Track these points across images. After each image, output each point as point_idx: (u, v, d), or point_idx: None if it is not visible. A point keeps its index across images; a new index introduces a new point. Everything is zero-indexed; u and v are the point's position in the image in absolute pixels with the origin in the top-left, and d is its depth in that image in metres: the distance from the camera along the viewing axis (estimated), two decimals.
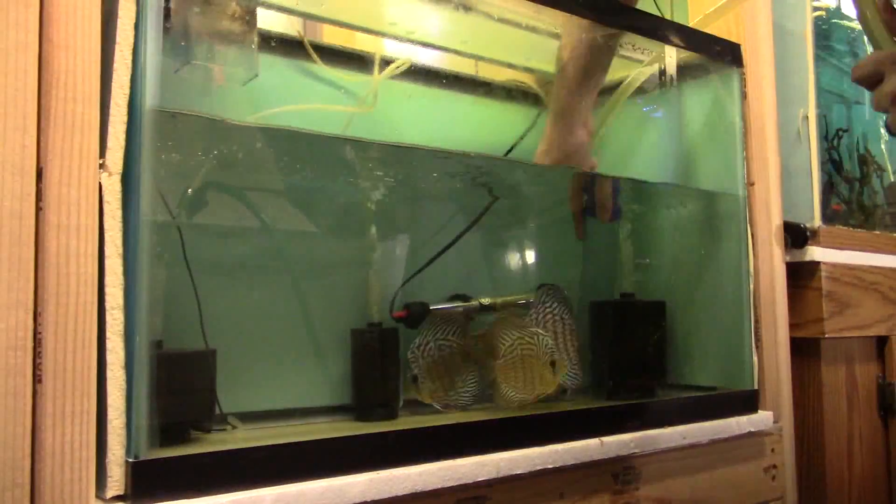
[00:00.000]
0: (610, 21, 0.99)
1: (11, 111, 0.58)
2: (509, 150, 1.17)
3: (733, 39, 1.15)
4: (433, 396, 0.95)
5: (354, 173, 0.94)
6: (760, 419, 1.08)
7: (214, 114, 0.75)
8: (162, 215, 0.78)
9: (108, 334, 0.61)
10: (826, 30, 1.45)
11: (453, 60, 1.14)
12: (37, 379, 0.58)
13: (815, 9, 1.32)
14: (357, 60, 1.02)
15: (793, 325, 1.17)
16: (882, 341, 1.32)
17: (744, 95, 1.15)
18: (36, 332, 0.58)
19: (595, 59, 1.04)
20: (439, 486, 0.74)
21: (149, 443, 0.63)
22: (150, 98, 0.64)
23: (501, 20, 0.97)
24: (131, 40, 0.64)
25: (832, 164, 1.40)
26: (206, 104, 0.80)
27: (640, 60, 1.17)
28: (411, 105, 1.08)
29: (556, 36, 1.04)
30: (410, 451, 0.75)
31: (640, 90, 1.22)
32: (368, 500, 0.69)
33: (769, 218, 1.15)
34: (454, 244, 1.03)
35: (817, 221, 1.22)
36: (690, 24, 1.16)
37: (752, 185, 1.14)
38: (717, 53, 1.13)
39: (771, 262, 1.14)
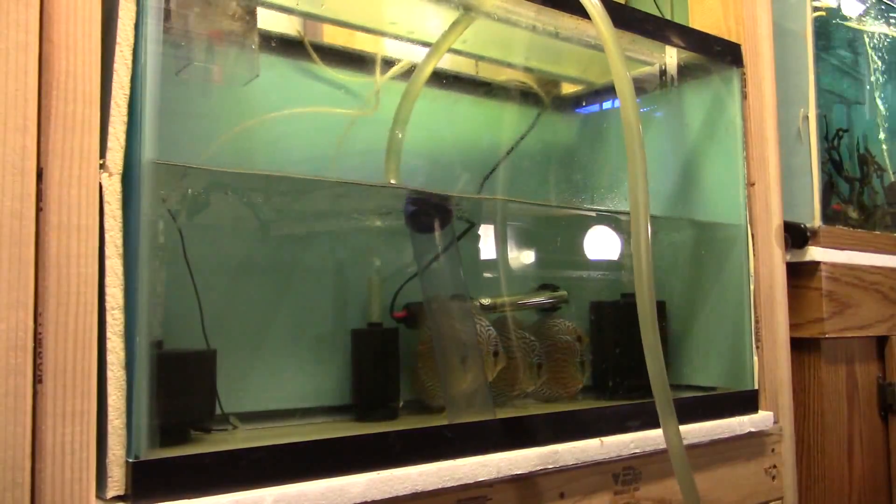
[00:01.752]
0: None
1: (12, 112, 0.58)
2: (509, 152, 1.17)
3: (733, 39, 1.15)
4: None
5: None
6: (761, 419, 1.08)
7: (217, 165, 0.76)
8: (162, 215, 0.78)
9: (108, 334, 0.61)
10: (826, 30, 1.45)
11: (454, 60, 1.14)
12: (37, 379, 0.58)
13: (815, 9, 1.32)
14: (357, 61, 1.02)
15: (793, 325, 1.17)
16: (882, 341, 1.31)
17: (744, 95, 1.15)
18: (36, 333, 0.58)
19: None
20: (440, 487, 0.74)
21: (149, 443, 0.63)
22: (150, 101, 0.64)
23: (501, 20, 0.97)
24: (132, 40, 0.64)
25: (832, 164, 1.39)
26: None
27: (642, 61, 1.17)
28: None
29: (556, 35, 1.04)
30: (411, 452, 0.75)
31: (640, 91, 1.22)
32: (369, 500, 0.69)
33: (769, 218, 1.15)
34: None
35: (817, 221, 1.22)
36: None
37: (753, 185, 1.14)
38: (717, 53, 1.13)
39: (771, 262, 1.14)
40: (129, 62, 0.64)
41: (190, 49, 0.78)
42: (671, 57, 1.15)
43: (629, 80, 0.79)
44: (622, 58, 0.81)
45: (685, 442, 0.97)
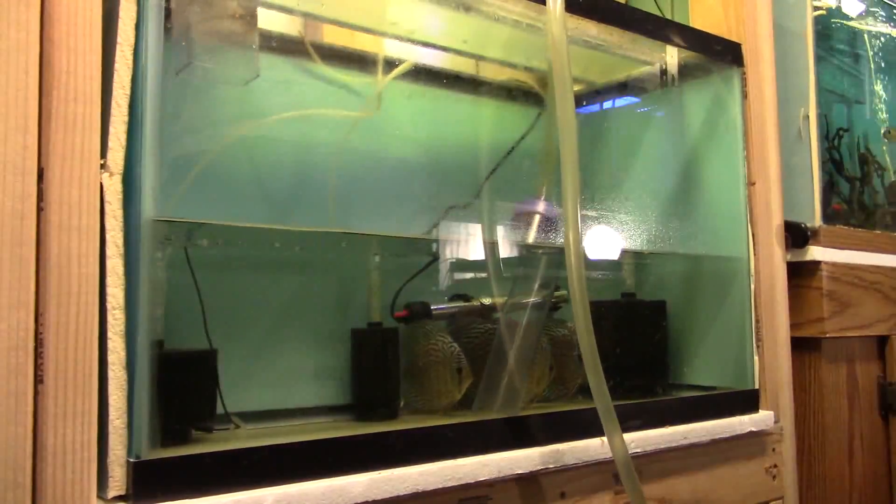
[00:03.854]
0: (611, 21, 0.99)
1: (13, 111, 0.58)
2: (509, 152, 1.17)
3: (734, 39, 1.15)
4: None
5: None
6: (761, 419, 1.08)
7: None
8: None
9: (109, 334, 0.61)
10: (826, 29, 1.45)
11: (454, 60, 1.14)
12: (38, 379, 0.58)
13: (816, 8, 1.32)
14: (358, 60, 1.02)
15: (793, 325, 1.17)
16: (883, 341, 1.31)
17: (744, 95, 1.15)
18: (37, 333, 0.58)
19: None
20: (440, 486, 0.74)
21: (150, 443, 0.63)
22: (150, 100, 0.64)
23: (501, 20, 0.97)
24: (132, 40, 0.64)
25: (833, 163, 1.39)
26: None
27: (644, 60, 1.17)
28: (411, 106, 1.08)
29: None
30: (411, 451, 0.75)
31: (642, 90, 1.23)
32: (370, 500, 0.69)
33: (770, 217, 1.15)
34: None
35: (818, 221, 1.22)
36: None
37: (753, 184, 1.14)
38: (717, 53, 1.13)
39: (771, 261, 1.14)
40: (130, 62, 0.64)
41: (190, 49, 0.78)
42: (671, 56, 1.16)
43: (569, 75, 0.80)
44: (566, 48, 0.80)
45: (685, 441, 0.98)
